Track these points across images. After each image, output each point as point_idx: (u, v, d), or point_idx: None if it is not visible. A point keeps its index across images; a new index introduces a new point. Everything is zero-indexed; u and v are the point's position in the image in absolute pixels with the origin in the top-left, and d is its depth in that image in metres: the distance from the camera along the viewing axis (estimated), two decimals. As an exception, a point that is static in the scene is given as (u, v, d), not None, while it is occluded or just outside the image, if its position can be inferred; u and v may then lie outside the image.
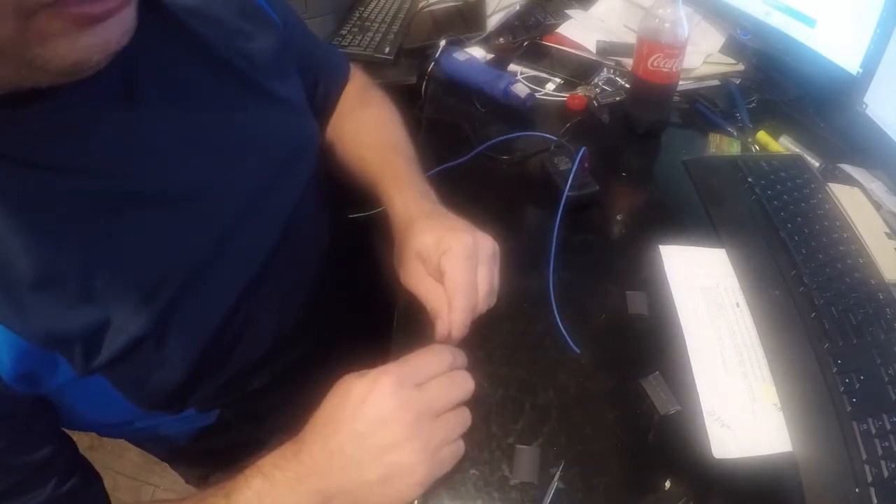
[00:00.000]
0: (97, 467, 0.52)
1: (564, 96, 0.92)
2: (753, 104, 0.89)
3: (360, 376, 0.45)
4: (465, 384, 0.48)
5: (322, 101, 0.73)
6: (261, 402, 0.61)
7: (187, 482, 0.80)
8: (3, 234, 0.39)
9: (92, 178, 0.43)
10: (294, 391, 0.61)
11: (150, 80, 0.46)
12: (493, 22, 1.09)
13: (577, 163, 0.70)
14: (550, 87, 0.95)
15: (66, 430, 0.50)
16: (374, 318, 0.66)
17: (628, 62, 0.91)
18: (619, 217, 0.74)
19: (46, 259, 0.40)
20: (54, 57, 0.35)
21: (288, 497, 0.43)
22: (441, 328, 0.52)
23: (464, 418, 0.48)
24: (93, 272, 0.43)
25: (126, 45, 0.39)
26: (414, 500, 0.46)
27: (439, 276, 0.52)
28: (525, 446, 0.50)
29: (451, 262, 0.51)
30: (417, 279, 0.55)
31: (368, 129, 0.72)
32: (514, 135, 0.84)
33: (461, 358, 0.50)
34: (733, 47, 0.97)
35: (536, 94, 0.91)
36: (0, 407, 0.41)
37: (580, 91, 0.92)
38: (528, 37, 1.05)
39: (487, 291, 0.53)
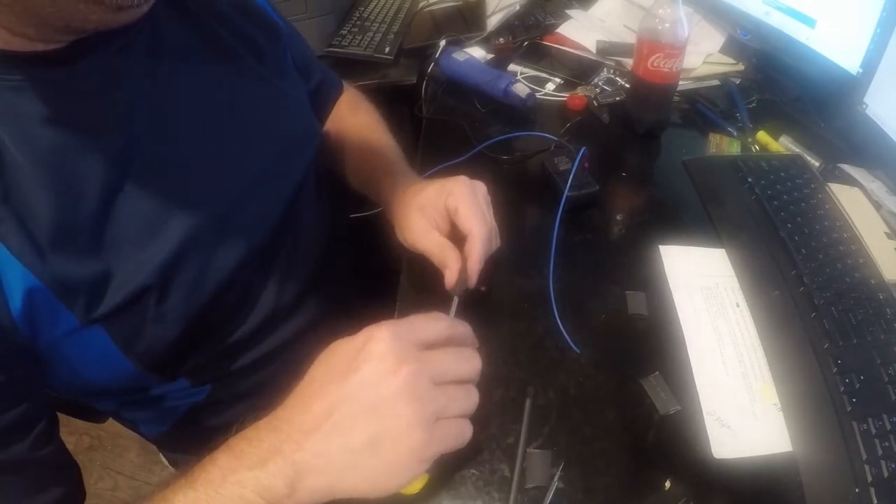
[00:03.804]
0: (97, 467, 0.53)
1: (564, 96, 0.92)
2: (753, 104, 0.89)
3: (350, 338, 0.41)
4: (472, 359, 0.43)
5: (321, 105, 0.78)
6: (252, 380, 0.62)
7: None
8: (31, 184, 0.42)
9: (115, 137, 0.46)
10: (286, 371, 0.62)
11: (170, 55, 0.51)
12: (493, 22, 1.09)
13: (577, 163, 0.70)
14: (550, 87, 0.95)
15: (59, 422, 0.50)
16: (372, 305, 0.67)
17: (628, 62, 0.91)
18: (619, 217, 0.74)
19: (66, 209, 0.44)
20: None
21: (254, 472, 0.38)
22: (450, 276, 0.53)
23: (468, 393, 0.42)
24: (106, 223, 0.46)
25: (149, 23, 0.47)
26: (408, 480, 0.40)
27: (443, 224, 0.57)
28: (537, 450, 0.50)
29: (458, 198, 0.55)
30: (421, 234, 0.57)
31: (363, 132, 0.78)
32: (514, 135, 0.84)
33: (471, 338, 0.45)
34: (733, 47, 0.97)
35: (536, 94, 0.91)
36: (4, 348, 0.43)
37: (580, 91, 0.92)
38: (528, 37, 1.05)
39: (493, 228, 0.57)
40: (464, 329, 0.45)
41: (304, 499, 0.38)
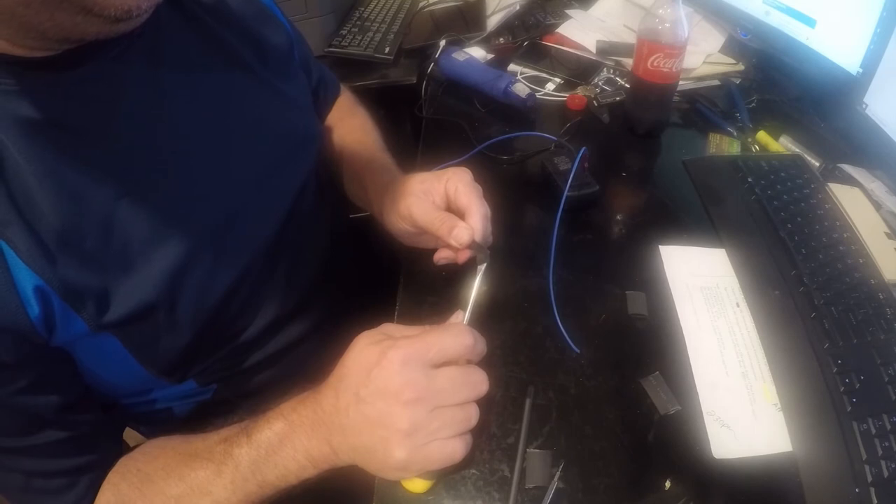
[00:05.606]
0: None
1: (564, 96, 0.92)
2: (753, 104, 0.89)
3: (374, 343, 0.45)
4: (478, 385, 0.45)
5: (321, 106, 0.78)
6: (257, 380, 0.63)
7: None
8: (36, 188, 0.42)
9: (116, 143, 0.47)
10: (291, 372, 0.63)
11: (170, 61, 0.51)
12: (493, 22, 1.09)
13: (577, 163, 0.70)
14: (550, 87, 0.95)
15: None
16: (373, 308, 0.67)
17: (628, 62, 0.91)
18: (619, 217, 0.74)
19: (70, 216, 0.44)
20: (112, 2, 0.38)
21: (303, 441, 0.45)
22: (463, 233, 0.54)
23: (467, 416, 0.44)
24: (110, 230, 0.46)
25: (154, 22, 0.46)
26: (399, 479, 0.47)
27: (443, 208, 0.58)
28: (537, 450, 0.50)
29: (457, 181, 0.57)
30: (426, 210, 0.58)
31: (358, 134, 0.79)
32: (514, 134, 0.84)
33: (481, 344, 0.47)
34: (733, 47, 0.97)
35: (536, 94, 0.91)
36: (27, 350, 0.43)
37: (580, 91, 0.92)
38: (528, 37, 1.05)
39: (489, 214, 0.57)
40: (480, 345, 0.47)
41: (341, 464, 0.46)
